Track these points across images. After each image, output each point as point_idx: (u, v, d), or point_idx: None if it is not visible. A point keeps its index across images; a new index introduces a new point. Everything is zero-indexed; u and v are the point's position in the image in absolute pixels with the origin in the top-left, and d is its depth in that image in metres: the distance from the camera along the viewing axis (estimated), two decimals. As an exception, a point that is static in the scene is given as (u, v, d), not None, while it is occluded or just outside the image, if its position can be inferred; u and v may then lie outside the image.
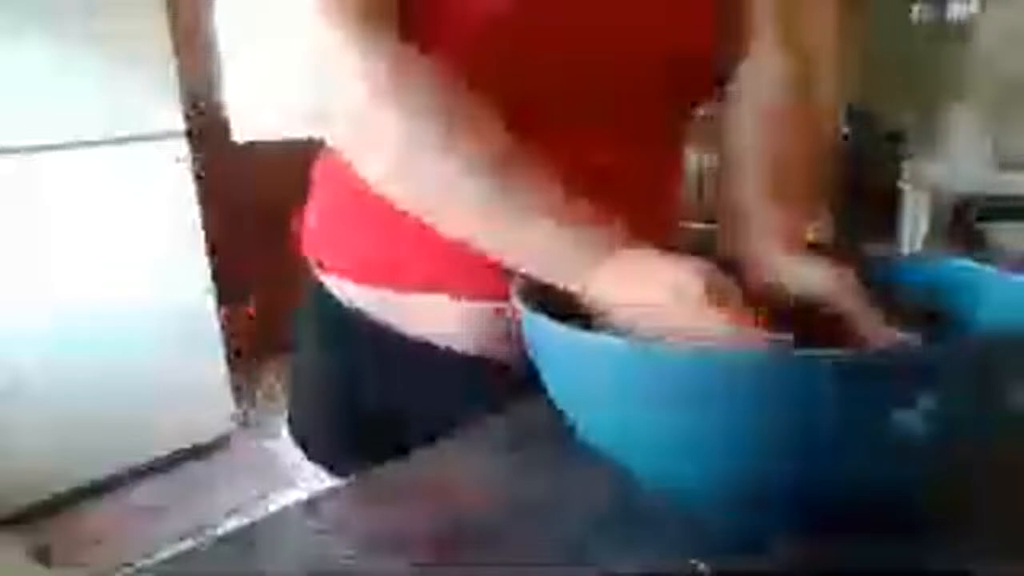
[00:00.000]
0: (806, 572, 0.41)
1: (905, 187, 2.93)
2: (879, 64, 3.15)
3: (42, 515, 2.11)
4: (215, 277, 2.48)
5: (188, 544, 0.48)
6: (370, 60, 0.51)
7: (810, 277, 0.52)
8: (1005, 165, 2.77)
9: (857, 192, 3.24)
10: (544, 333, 0.44)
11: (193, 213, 2.40)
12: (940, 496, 0.46)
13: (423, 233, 0.54)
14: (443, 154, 0.50)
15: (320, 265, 0.70)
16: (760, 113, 0.65)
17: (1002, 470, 0.49)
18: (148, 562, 0.47)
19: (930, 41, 3.12)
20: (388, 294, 0.65)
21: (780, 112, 0.65)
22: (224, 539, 0.48)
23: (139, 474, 2.32)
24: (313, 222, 0.71)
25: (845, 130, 3.28)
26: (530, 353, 0.47)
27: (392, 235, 0.63)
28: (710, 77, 0.68)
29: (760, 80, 0.67)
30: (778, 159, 0.62)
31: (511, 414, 0.59)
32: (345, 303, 0.68)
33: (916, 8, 3.16)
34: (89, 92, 2.16)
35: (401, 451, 0.55)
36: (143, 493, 2.27)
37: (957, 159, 2.96)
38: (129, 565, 1.83)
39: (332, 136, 0.56)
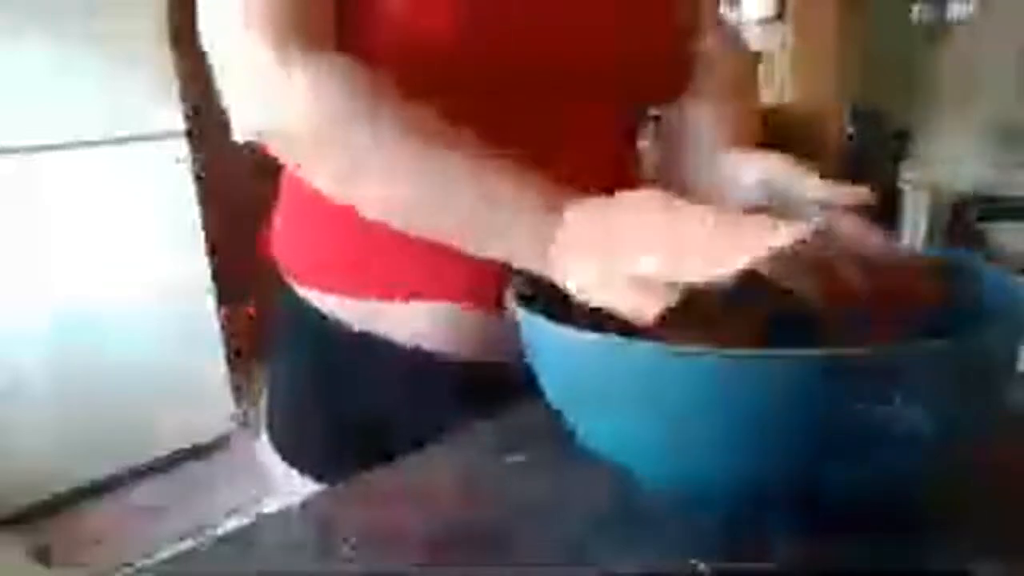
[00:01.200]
0: (806, 572, 0.41)
1: (905, 187, 2.93)
2: (879, 64, 3.15)
3: (42, 515, 2.11)
4: (215, 277, 2.48)
5: (188, 544, 0.48)
6: (318, 76, 0.51)
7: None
8: (1005, 165, 2.78)
9: (857, 192, 3.24)
10: (541, 334, 0.44)
11: (193, 213, 2.40)
12: (940, 496, 0.46)
13: (385, 236, 0.55)
14: (417, 174, 0.51)
15: (289, 272, 0.69)
16: (714, 113, 0.69)
17: (1002, 470, 0.50)
18: (148, 562, 0.48)
19: (930, 41, 3.12)
20: (355, 301, 0.64)
21: (731, 112, 0.69)
22: (224, 539, 0.48)
23: (139, 474, 2.31)
24: (279, 225, 0.70)
25: (850, 130, 3.28)
26: (527, 355, 0.47)
27: (354, 239, 0.63)
28: (665, 78, 0.69)
29: (712, 80, 0.69)
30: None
31: (510, 416, 0.59)
32: (317, 307, 0.67)
33: (916, 8, 3.16)
34: (89, 92, 2.16)
35: (387, 457, 0.55)
36: (143, 493, 2.27)
37: (957, 159, 2.96)
38: (129, 565, 1.83)
39: (287, 154, 0.56)
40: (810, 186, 0.57)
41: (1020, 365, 0.42)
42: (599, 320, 0.50)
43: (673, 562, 0.42)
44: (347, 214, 0.55)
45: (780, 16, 3.41)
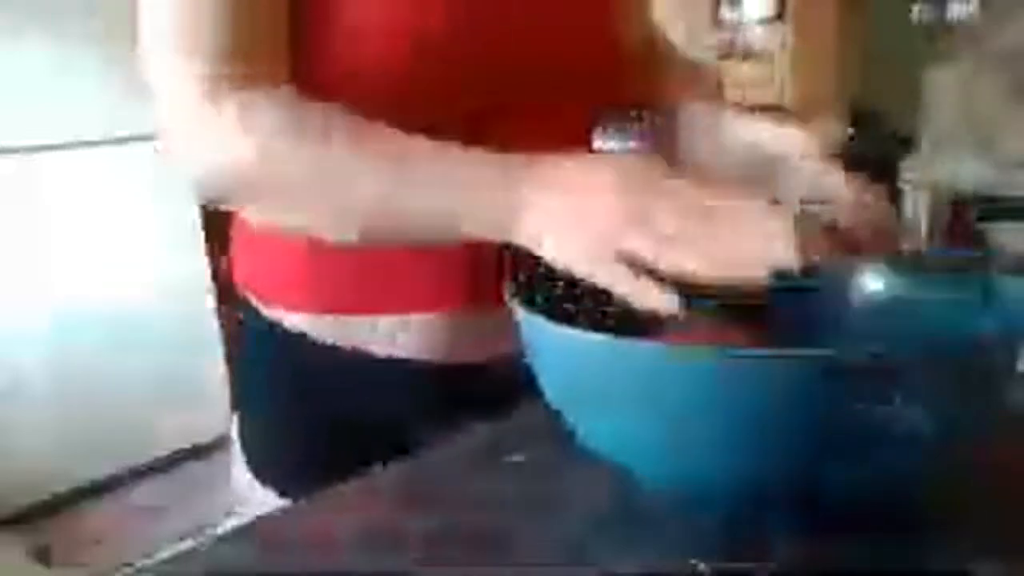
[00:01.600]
0: (806, 572, 0.41)
1: (905, 187, 2.93)
2: (879, 64, 3.15)
3: (42, 515, 2.11)
4: (215, 277, 2.48)
5: (188, 544, 0.48)
6: (249, 112, 0.49)
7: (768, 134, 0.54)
8: (1005, 165, 2.77)
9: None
10: (541, 334, 0.44)
11: (193, 213, 2.40)
12: (940, 496, 0.46)
13: (347, 253, 0.55)
14: (374, 172, 0.50)
15: (248, 287, 0.68)
16: (708, 120, 0.67)
17: (1002, 470, 0.50)
18: (148, 562, 0.47)
19: (930, 41, 3.12)
20: (320, 316, 0.63)
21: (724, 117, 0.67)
22: (224, 539, 0.48)
23: (139, 474, 2.31)
24: (237, 246, 0.70)
25: (850, 130, 3.28)
26: (516, 356, 0.47)
27: (315, 257, 0.62)
28: (643, 79, 0.70)
29: (697, 87, 0.70)
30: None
31: (509, 416, 0.59)
32: (281, 323, 0.66)
33: (916, 8, 3.16)
34: (89, 92, 2.16)
35: (359, 469, 0.53)
36: (143, 493, 2.27)
37: (957, 159, 2.96)
38: (129, 565, 1.83)
39: (232, 199, 0.55)
40: (797, 154, 0.55)
41: (1020, 365, 0.42)
42: (599, 320, 0.50)
43: (673, 562, 0.42)
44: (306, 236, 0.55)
45: (780, 16, 3.40)
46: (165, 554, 0.47)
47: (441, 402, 0.63)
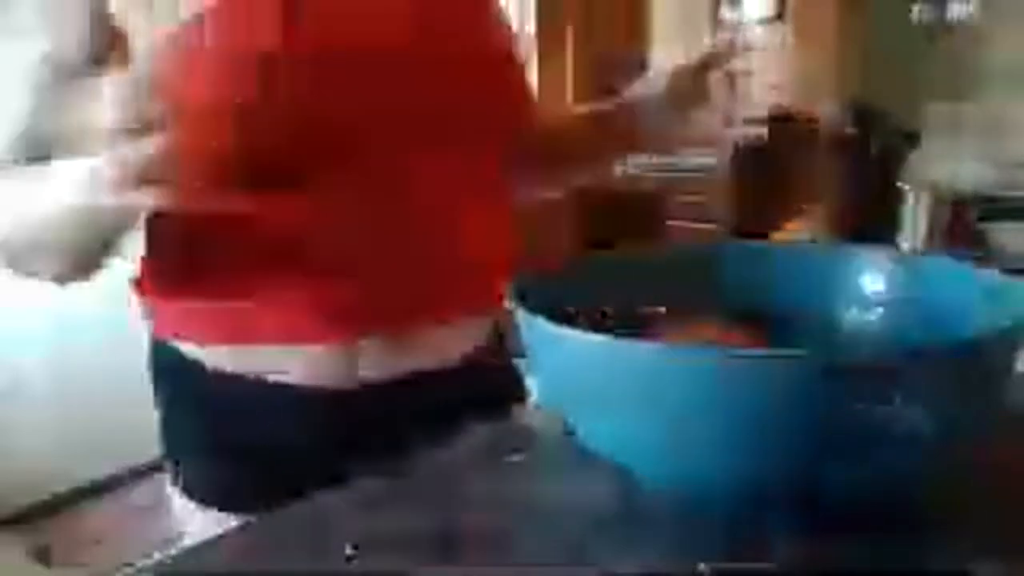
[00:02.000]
0: (806, 572, 0.41)
1: (905, 187, 2.93)
2: (879, 64, 3.15)
3: (42, 515, 2.11)
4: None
5: (188, 544, 0.48)
6: None
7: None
8: (1005, 165, 2.77)
9: (857, 191, 3.24)
10: (541, 335, 0.44)
11: (193, 213, 2.40)
12: (940, 496, 0.46)
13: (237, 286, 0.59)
14: None
15: (151, 316, 0.70)
16: None
17: (1002, 470, 0.50)
18: (148, 562, 0.47)
19: (930, 41, 3.12)
20: (216, 347, 0.64)
21: None
22: (223, 539, 0.48)
23: (139, 474, 2.31)
24: (145, 276, 0.72)
25: (850, 130, 3.28)
26: (526, 356, 0.47)
27: (204, 289, 0.64)
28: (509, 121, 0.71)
29: None
30: None
31: (508, 416, 0.59)
32: (179, 349, 0.67)
33: (916, 8, 3.16)
34: (89, 92, 2.16)
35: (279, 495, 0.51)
36: (143, 493, 2.27)
37: (957, 159, 2.96)
38: (129, 565, 1.83)
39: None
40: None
41: (1020, 365, 0.42)
42: (599, 320, 0.50)
43: (673, 562, 0.42)
44: (206, 266, 0.61)
45: (780, 16, 3.41)
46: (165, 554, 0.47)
47: (346, 426, 0.63)
